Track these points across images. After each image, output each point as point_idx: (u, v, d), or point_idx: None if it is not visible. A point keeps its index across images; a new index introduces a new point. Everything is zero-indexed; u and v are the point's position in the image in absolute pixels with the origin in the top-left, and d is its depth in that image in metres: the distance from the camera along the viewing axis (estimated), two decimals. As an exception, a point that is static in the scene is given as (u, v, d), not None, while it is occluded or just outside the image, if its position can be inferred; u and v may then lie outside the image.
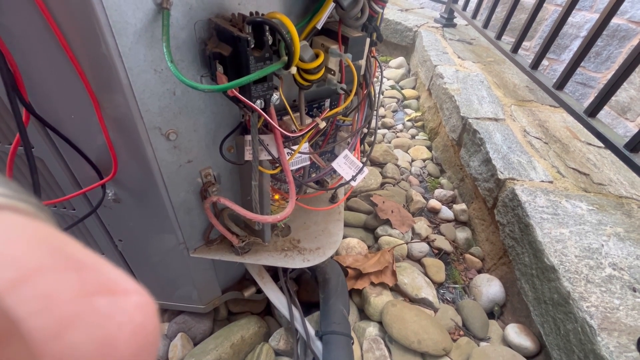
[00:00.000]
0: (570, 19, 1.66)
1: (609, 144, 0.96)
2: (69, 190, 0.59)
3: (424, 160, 1.51)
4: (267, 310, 0.94)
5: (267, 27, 0.41)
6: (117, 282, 0.13)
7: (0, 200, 0.12)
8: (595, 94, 2.31)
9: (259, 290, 0.85)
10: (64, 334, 0.10)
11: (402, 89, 1.97)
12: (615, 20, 2.01)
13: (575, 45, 2.32)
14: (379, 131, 1.66)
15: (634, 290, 0.71)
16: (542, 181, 1.00)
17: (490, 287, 0.98)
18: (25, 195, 0.13)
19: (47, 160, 0.56)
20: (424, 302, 0.94)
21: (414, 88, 1.96)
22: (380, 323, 0.88)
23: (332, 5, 0.49)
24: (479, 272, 1.08)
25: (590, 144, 1.20)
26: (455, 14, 2.11)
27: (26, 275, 0.10)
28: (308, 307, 0.89)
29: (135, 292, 0.13)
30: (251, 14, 0.43)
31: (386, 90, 1.95)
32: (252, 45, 0.41)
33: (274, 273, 0.85)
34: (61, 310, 0.10)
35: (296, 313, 0.79)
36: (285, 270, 0.85)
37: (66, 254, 0.12)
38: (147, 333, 0.13)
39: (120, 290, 0.12)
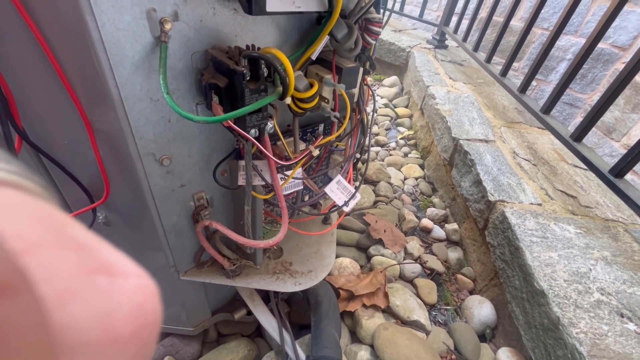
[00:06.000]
0: (556, 42, 1.73)
1: (594, 169, 0.98)
2: (59, 213, 0.58)
3: (416, 179, 1.52)
4: (258, 332, 0.93)
5: (262, 61, 0.41)
6: (117, 264, 0.13)
7: (5, 176, 0.12)
8: (581, 114, 2.38)
9: (250, 312, 0.83)
10: (64, 305, 0.11)
11: (395, 107, 2.00)
12: (599, 45, 2.09)
13: (562, 67, 2.40)
14: (372, 149, 1.68)
15: (622, 315, 0.72)
16: (532, 204, 1.02)
17: (481, 309, 0.98)
18: (30, 174, 0.13)
19: (37, 183, 0.55)
20: (416, 325, 0.94)
21: (406, 107, 2.00)
22: (372, 346, 0.87)
23: (326, 37, 0.51)
24: (471, 293, 1.08)
25: (577, 167, 1.23)
26: (447, 36, 2.18)
27: (26, 249, 0.10)
28: (299, 329, 0.88)
29: (136, 275, 0.13)
30: (247, 47, 0.44)
31: (379, 108, 1.98)
32: (248, 78, 0.42)
33: (265, 294, 0.84)
34: (60, 283, 0.11)
35: (287, 336, 0.78)
36: (276, 291, 0.84)
37: (67, 234, 0.12)
38: (146, 313, 0.13)
39: (119, 271, 0.13)
